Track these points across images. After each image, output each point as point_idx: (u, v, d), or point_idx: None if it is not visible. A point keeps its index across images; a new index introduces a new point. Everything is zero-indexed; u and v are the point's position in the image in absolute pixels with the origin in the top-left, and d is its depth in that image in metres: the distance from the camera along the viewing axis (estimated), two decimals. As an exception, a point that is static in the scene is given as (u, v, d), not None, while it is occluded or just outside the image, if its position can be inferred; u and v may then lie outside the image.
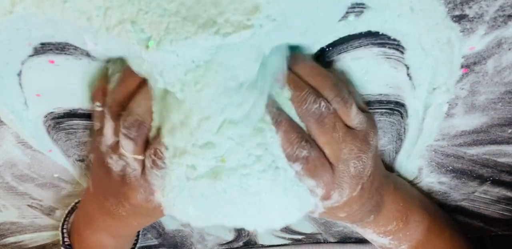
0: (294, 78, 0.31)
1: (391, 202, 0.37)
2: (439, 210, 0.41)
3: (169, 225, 0.48)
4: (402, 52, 0.31)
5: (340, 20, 0.30)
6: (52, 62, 0.33)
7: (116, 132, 0.32)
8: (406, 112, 0.35)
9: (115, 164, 0.33)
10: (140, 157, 0.32)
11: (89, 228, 0.40)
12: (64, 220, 0.43)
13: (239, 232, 0.49)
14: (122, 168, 0.33)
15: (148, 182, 0.33)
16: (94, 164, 0.36)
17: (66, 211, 0.43)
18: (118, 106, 0.32)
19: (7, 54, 0.32)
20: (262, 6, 0.27)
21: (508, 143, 0.36)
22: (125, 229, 0.40)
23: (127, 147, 0.32)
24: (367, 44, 0.31)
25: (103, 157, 0.34)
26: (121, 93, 0.32)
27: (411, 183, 0.41)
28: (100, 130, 0.34)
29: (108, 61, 0.34)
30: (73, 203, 0.44)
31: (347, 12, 0.30)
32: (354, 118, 0.32)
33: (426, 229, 0.38)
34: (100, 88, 0.33)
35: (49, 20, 0.29)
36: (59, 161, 0.41)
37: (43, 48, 0.32)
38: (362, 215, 0.36)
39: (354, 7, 0.29)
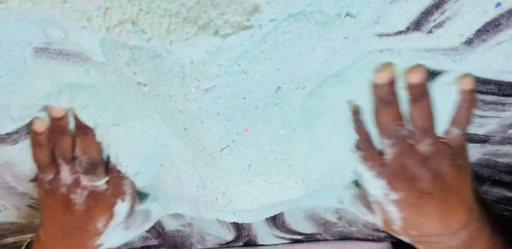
0: None
1: (483, 247, 0.35)
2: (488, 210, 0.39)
3: (169, 225, 0.48)
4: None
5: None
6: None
7: (73, 172, 0.37)
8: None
9: (79, 197, 0.37)
10: (106, 178, 0.37)
11: None
12: None
13: (239, 232, 0.49)
14: (86, 197, 0.37)
15: (118, 191, 0.37)
16: (48, 216, 0.38)
17: None
18: (68, 153, 0.36)
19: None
20: (262, 7, 0.27)
21: (508, 143, 0.36)
22: None
23: (91, 179, 0.37)
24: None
25: (61, 198, 0.37)
26: (65, 143, 0.36)
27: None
28: (53, 178, 0.37)
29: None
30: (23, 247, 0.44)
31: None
32: None
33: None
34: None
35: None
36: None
37: None
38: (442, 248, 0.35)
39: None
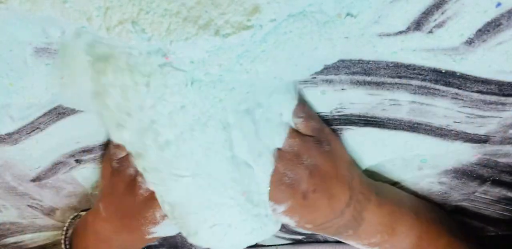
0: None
1: (373, 217, 0.36)
2: (438, 215, 0.40)
3: (169, 225, 0.48)
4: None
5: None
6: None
7: None
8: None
9: (145, 182, 0.35)
10: None
11: (102, 247, 0.40)
12: (65, 237, 0.43)
13: (239, 232, 0.49)
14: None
15: None
16: (110, 193, 0.38)
17: (65, 228, 0.43)
18: None
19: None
20: (262, 7, 0.27)
21: (508, 143, 0.36)
22: (144, 242, 0.40)
23: None
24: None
25: (128, 179, 0.36)
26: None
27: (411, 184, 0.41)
28: (124, 157, 0.36)
29: None
30: (69, 219, 0.44)
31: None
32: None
33: (417, 238, 0.37)
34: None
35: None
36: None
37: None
38: (336, 229, 0.36)
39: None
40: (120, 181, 0.37)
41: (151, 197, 0.36)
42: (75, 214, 0.44)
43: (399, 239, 0.37)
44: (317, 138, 0.35)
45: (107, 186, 0.38)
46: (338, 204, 0.35)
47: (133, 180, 0.36)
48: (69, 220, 0.43)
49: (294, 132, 0.35)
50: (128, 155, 0.35)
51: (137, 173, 0.36)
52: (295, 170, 0.34)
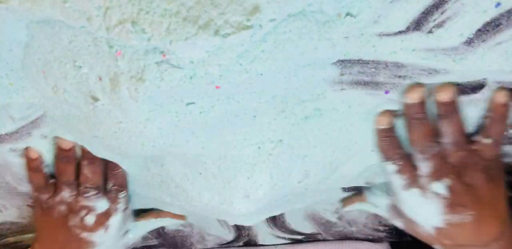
0: None
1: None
2: None
3: (169, 225, 0.48)
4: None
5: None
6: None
7: (73, 194, 0.38)
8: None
9: (76, 214, 0.38)
10: (105, 199, 0.39)
11: None
12: None
13: (239, 232, 0.49)
14: (84, 214, 0.39)
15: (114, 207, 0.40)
16: (44, 230, 0.40)
17: None
18: (71, 180, 0.38)
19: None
20: (262, 7, 0.27)
21: (508, 143, 0.36)
22: None
23: (91, 200, 0.38)
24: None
25: (59, 215, 0.38)
26: (69, 171, 0.38)
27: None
28: (51, 197, 0.38)
29: None
30: None
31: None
32: None
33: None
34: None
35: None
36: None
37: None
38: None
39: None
40: (50, 220, 0.39)
41: (85, 225, 0.38)
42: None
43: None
44: (487, 164, 0.34)
45: (39, 228, 0.40)
46: (485, 233, 0.35)
47: (65, 216, 0.38)
48: None
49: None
50: (54, 194, 0.38)
51: (68, 210, 0.38)
52: (455, 183, 0.34)
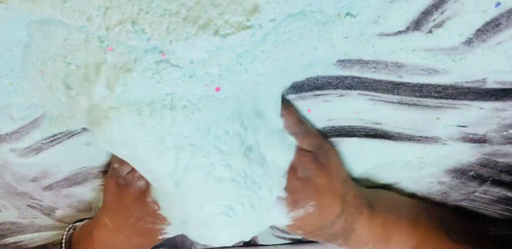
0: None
1: (363, 228, 0.38)
2: (439, 219, 0.40)
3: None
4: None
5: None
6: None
7: None
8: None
9: None
10: None
11: None
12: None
13: (239, 232, 0.49)
14: None
15: None
16: (117, 208, 0.39)
17: (63, 241, 0.43)
18: None
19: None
20: (262, 7, 0.27)
21: (508, 143, 0.36)
22: (155, 242, 0.41)
23: None
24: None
25: (138, 192, 0.38)
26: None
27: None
28: (130, 173, 0.38)
29: None
30: (64, 233, 0.43)
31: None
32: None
33: (414, 247, 0.38)
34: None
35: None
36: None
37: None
38: (326, 237, 0.38)
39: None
40: (127, 195, 0.38)
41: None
42: (70, 226, 0.44)
43: (393, 248, 0.38)
44: (314, 153, 0.36)
45: (113, 202, 0.39)
46: (328, 215, 0.36)
47: (143, 193, 0.37)
48: (65, 233, 0.43)
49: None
50: (134, 169, 0.36)
51: (147, 186, 0.37)
52: (290, 181, 0.36)
